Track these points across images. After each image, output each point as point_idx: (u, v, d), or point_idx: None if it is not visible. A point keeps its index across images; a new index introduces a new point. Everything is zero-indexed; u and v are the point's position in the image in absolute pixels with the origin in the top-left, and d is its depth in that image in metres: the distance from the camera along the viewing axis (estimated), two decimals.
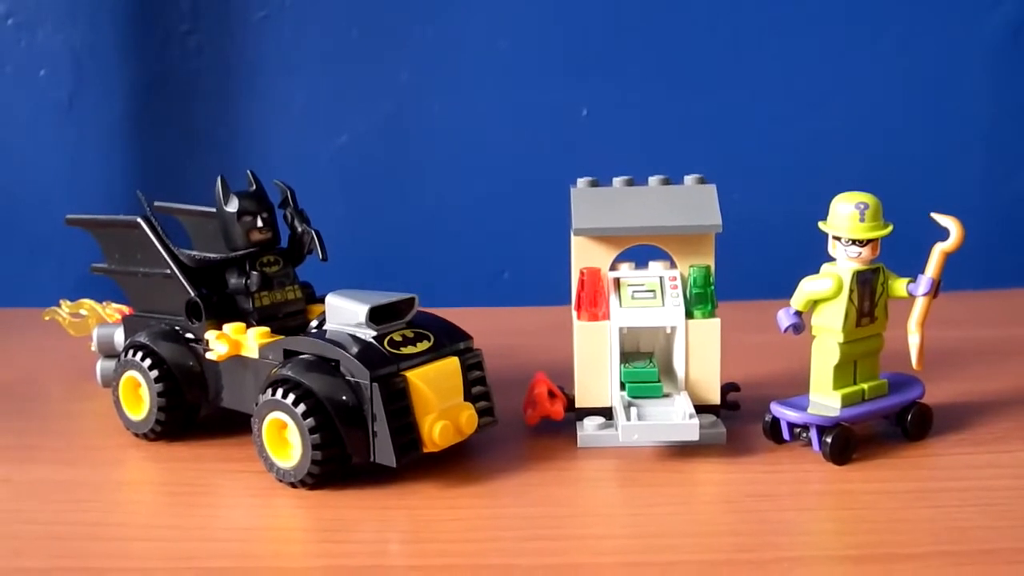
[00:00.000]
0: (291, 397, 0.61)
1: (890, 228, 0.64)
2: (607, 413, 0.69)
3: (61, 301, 0.87)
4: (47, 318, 0.88)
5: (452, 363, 0.65)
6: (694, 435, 0.64)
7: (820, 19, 1.12)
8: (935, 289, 0.65)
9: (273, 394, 0.62)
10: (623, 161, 1.12)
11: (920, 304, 0.65)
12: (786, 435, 0.66)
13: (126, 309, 0.80)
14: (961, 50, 1.12)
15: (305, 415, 0.61)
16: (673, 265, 0.69)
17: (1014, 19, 1.12)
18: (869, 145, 1.14)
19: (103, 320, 0.83)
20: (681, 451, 0.66)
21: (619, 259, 0.70)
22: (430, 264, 1.18)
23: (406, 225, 1.18)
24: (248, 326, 0.68)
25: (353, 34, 1.15)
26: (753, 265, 1.04)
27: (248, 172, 0.72)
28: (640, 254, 0.70)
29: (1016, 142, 1.14)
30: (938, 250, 0.64)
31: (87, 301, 0.85)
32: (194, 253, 0.75)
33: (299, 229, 0.72)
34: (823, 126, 1.14)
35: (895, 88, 1.13)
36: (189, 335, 0.71)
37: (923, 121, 1.14)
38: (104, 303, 0.84)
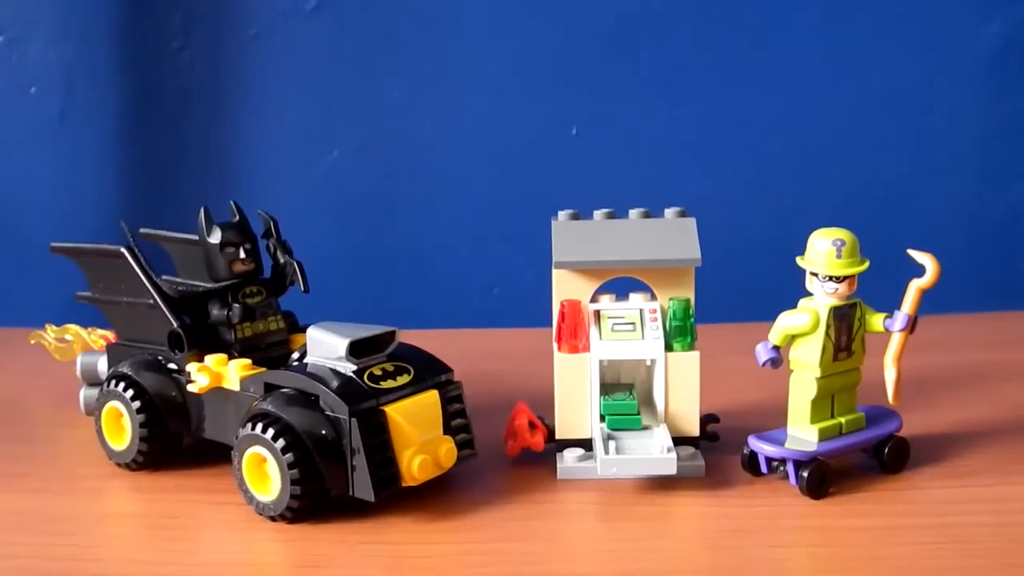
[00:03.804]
0: (271, 432, 0.61)
1: (866, 264, 0.64)
2: (587, 444, 0.69)
3: (47, 325, 0.87)
4: (32, 342, 0.88)
5: (431, 396, 0.65)
6: (672, 469, 0.64)
7: (808, 41, 1.13)
8: (911, 325, 0.65)
9: (253, 428, 0.62)
10: (612, 177, 1.14)
11: (896, 339, 0.66)
12: (764, 468, 0.66)
13: (111, 335, 0.80)
14: (949, 69, 1.13)
15: (284, 450, 0.61)
16: (653, 297, 0.70)
17: (1002, 38, 1.12)
18: (857, 165, 1.14)
19: (88, 346, 0.83)
20: (660, 483, 0.67)
21: (600, 291, 0.70)
22: (421, 279, 1.18)
23: (397, 241, 1.18)
24: (230, 357, 0.69)
25: (344, 51, 1.15)
26: (736, 287, 1.04)
27: (231, 203, 0.72)
28: (621, 286, 0.70)
29: (1003, 160, 1.14)
30: (914, 287, 0.65)
31: (73, 326, 0.85)
32: (177, 282, 0.75)
33: (282, 260, 0.73)
34: (812, 144, 1.14)
35: (881, 109, 1.13)
36: (172, 365, 0.71)
37: (909, 142, 1.14)
38: (89, 329, 0.85)
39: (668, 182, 1.14)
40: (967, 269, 1.13)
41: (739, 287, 1.05)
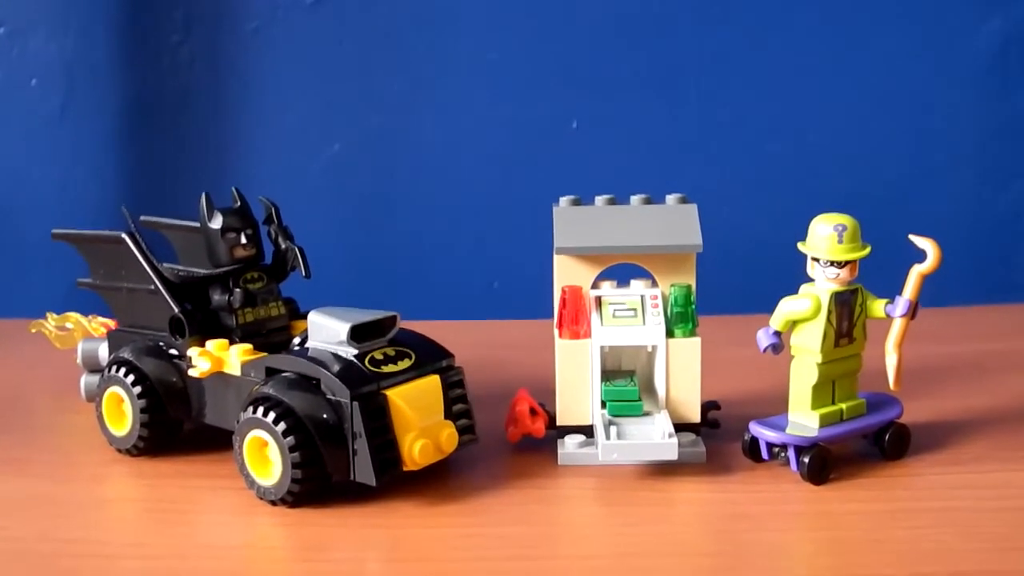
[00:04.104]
0: (272, 415, 0.61)
1: (868, 250, 0.64)
2: (588, 431, 0.69)
3: (47, 314, 0.87)
4: (33, 330, 0.88)
5: (433, 381, 0.65)
6: (673, 455, 0.64)
7: (807, 38, 1.13)
8: (913, 310, 0.65)
9: (254, 412, 0.62)
10: (612, 173, 1.14)
11: (898, 325, 0.66)
12: (764, 454, 0.66)
13: (112, 323, 0.80)
14: (949, 66, 1.13)
15: (285, 433, 0.61)
16: (654, 284, 0.70)
17: (1002, 35, 1.12)
18: (855, 162, 1.14)
19: (88, 334, 0.83)
20: (661, 469, 0.67)
21: (601, 277, 0.70)
22: (422, 274, 1.19)
23: (398, 235, 1.19)
24: (231, 343, 0.69)
25: (345, 46, 1.15)
26: (738, 279, 1.05)
27: (233, 189, 0.72)
28: (622, 272, 0.70)
29: (1002, 160, 1.14)
30: (915, 272, 0.65)
31: (73, 314, 0.85)
32: (178, 269, 0.75)
33: (283, 246, 0.73)
34: (812, 141, 1.14)
35: (882, 105, 1.13)
36: (173, 351, 0.71)
37: (909, 139, 1.14)
38: (90, 317, 0.85)
39: (668, 177, 1.13)
40: (967, 268, 1.13)
41: (739, 280, 1.05)
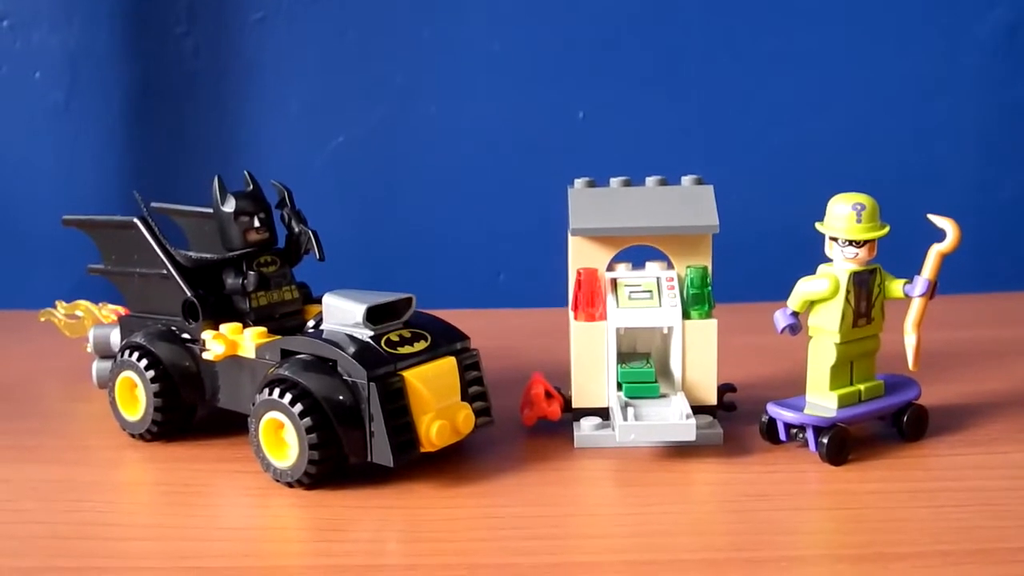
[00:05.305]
0: (288, 397, 0.61)
1: (887, 229, 0.64)
2: (604, 413, 0.69)
3: (57, 302, 0.87)
4: (43, 319, 0.88)
5: (449, 363, 0.65)
6: (691, 435, 0.64)
7: (816, 23, 1.13)
8: (931, 290, 0.65)
9: (270, 394, 0.62)
10: (620, 163, 1.13)
11: (916, 305, 0.65)
12: (783, 436, 0.66)
13: (122, 310, 0.80)
14: (957, 52, 1.13)
15: (302, 415, 0.61)
16: (670, 266, 0.69)
17: (1009, 22, 1.12)
18: (865, 147, 1.14)
19: (99, 321, 0.83)
20: (678, 451, 0.66)
21: (616, 259, 0.70)
22: (427, 266, 1.18)
23: (403, 227, 1.18)
24: (245, 326, 0.68)
25: (349, 36, 1.15)
26: (750, 267, 1.04)
27: (245, 172, 0.72)
28: (637, 255, 0.70)
29: (1011, 145, 1.14)
30: (935, 251, 0.65)
31: (83, 302, 0.85)
32: (191, 254, 0.75)
33: (296, 229, 0.72)
34: (819, 128, 1.14)
35: (891, 91, 1.13)
36: (186, 335, 0.71)
37: (919, 124, 1.14)
38: (100, 304, 0.84)
39: (676, 167, 1.13)
40: (970, 257, 1.13)
41: (750, 268, 1.05)
